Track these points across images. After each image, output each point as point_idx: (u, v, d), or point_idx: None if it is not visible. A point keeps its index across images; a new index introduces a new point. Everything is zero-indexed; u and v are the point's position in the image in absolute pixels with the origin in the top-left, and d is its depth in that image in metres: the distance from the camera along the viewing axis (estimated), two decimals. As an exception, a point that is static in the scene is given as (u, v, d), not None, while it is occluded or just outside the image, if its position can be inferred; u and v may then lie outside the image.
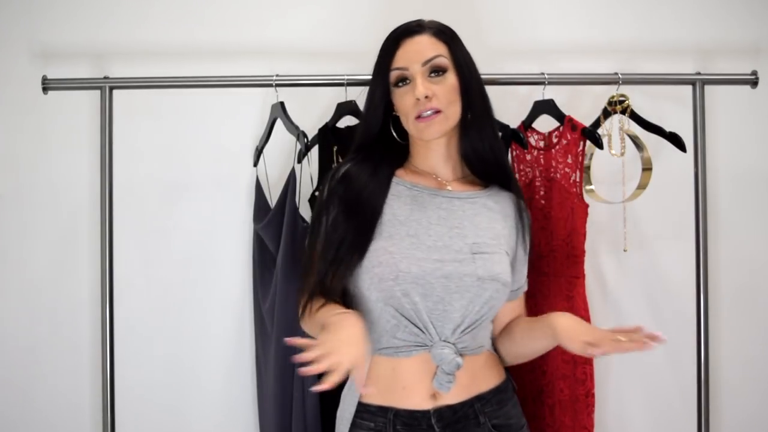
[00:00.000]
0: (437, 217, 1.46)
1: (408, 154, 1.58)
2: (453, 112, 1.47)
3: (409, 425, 1.39)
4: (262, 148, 2.09)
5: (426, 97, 1.43)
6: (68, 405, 2.23)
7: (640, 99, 2.01)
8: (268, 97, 2.00)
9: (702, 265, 1.91)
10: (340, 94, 1.95)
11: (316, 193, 1.92)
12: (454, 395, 1.40)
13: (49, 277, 2.23)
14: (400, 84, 1.49)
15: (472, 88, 1.49)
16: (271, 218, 1.90)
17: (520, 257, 1.58)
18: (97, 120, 1.97)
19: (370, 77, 1.99)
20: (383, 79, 1.51)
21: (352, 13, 2.25)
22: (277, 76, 1.93)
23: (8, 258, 2.22)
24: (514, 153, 2.07)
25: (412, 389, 1.40)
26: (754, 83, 1.98)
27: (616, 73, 1.97)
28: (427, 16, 2.24)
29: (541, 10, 2.28)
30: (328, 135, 1.92)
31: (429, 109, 1.43)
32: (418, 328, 1.40)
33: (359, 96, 1.84)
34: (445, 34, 1.51)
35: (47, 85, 1.94)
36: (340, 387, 1.85)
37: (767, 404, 2.32)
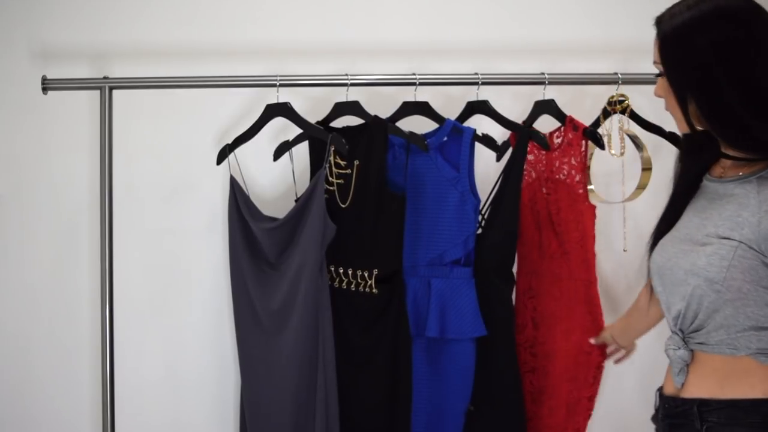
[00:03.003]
0: (699, 207, 1.40)
1: None
2: (674, 113, 1.37)
3: (657, 404, 1.47)
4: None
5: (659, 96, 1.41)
6: (68, 405, 2.23)
7: (639, 99, 2.01)
8: (269, 96, 1.99)
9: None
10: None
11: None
12: (684, 389, 1.38)
13: (49, 277, 2.23)
14: None
15: (690, 89, 1.32)
16: (291, 217, 1.90)
17: None
18: (97, 120, 1.97)
19: (371, 78, 2.01)
20: None
21: (350, 11, 2.26)
22: (280, 76, 1.94)
23: (8, 258, 2.22)
24: (515, 153, 2.07)
25: (668, 373, 1.45)
26: (754, 83, 1.98)
27: (616, 73, 1.97)
28: (424, 14, 2.26)
29: (542, 9, 2.28)
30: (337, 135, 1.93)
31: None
32: (665, 314, 1.45)
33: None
34: (663, 31, 1.33)
35: (47, 85, 1.94)
36: (346, 383, 1.87)
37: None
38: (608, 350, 1.92)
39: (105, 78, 1.99)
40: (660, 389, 1.47)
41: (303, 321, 1.85)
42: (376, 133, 1.91)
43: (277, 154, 2.07)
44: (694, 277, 1.31)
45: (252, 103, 2.18)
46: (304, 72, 2.05)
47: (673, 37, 1.31)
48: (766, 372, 1.29)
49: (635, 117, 1.99)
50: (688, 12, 1.29)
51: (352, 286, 1.90)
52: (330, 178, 1.96)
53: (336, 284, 1.94)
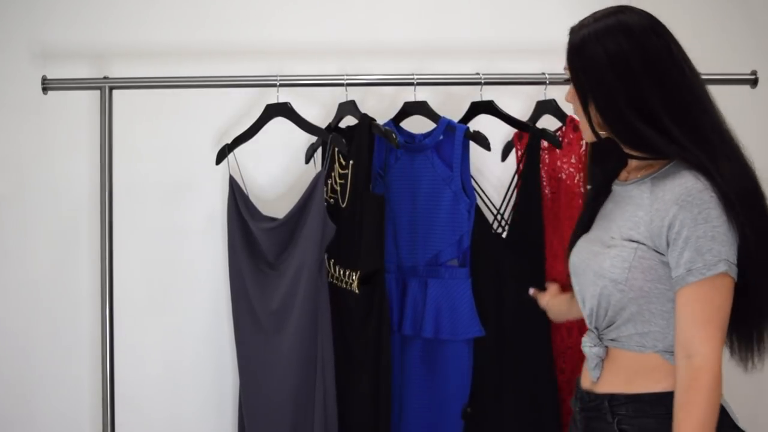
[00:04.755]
0: (607, 210, 1.50)
1: None
2: (580, 118, 1.46)
3: (576, 396, 1.54)
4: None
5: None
6: (68, 403, 2.24)
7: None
8: (267, 96, 1.99)
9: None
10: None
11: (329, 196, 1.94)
12: (598, 384, 1.46)
13: (49, 277, 2.23)
14: None
15: (590, 94, 1.41)
16: (290, 217, 1.91)
17: (672, 239, 1.34)
18: (97, 120, 1.97)
19: (371, 78, 2.01)
20: None
21: (350, 11, 2.26)
22: (280, 76, 1.93)
23: (8, 257, 2.22)
24: (519, 152, 2.07)
25: (585, 366, 1.51)
26: (754, 83, 1.98)
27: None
28: (425, 15, 2.26)
29: (542, 9, 2.28)
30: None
31: None
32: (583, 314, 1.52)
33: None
34: (572, 40, 1.43)
35: (47, 85, 1.94)
36: (348, 383, 1.87)
37: (766, 403, 2.32)
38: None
39: (105, 78, 1.99)
40: (578, 380, 1.54)
41: (302, 321, 1.85)
42: (360, 131, 1.90)
43: (308, 156, 2.08)
44: (601, 278, 1.40)
45: (252, 103, 2.19)
46: (304, 72, 2.05)
47: (579, 46, 1.41)
48: (670, 369, 1.37)
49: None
50: (594, 24, 1.40)
51: (346, 285, 1.91)
52: (337, 179, 1.96)
53: (337, 282, 1.95)
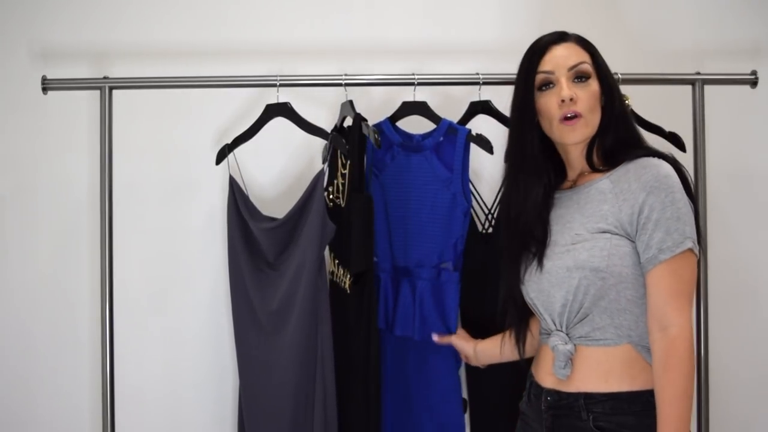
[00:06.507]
0: (557, 215, 1.56)
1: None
2: (593, 119, 1.51)
3: (536, 395, 1.57)
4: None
5: (571, 99, 1.49)
6: (68, 404, 2.24)
7: (640, 99, 2.01)
8: (267, 96, 2.00)
9: (701, 264, 1.91)
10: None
11: (329, 192, 1.95)
12: (568, 383, 1.49)
13: (49, 277, 2.23)
14: (544, 88, 1.54)
15: (614, 97, 1.54)
16: (290, 217, 1.91)
17: (642, 223, 1.43)
18: (97, 120, 1.97)
19: (371, 78, 2.01)
20: (528, 83, 1.55)
21: (350, 11, 2.26)
22: (280, 76, 1.94)
23: (9, 257, 2.23)
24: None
25: (543, 368, 1.56)
26: (753, 83, 1.98)
27: (616, 73, 1.95)
28: (426, 15, 2.26)
29: (542, 9, 2.28)
30: (339, 137, 1.93)
31: (572, 112, 1.49)
32: (543, 318, 1.56)
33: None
34: (589, 44, 1.56)
35: (47, 85, 1.94)
36: (348, 381, 1.87)
37: (767, 404, 2.32)
38: (463, 357, 1.90)
39: (105, 78, 1.99)
40: (531, 379, 1.59)
41: (302, 321, 1.85)
42: (353, 131, 1.90)
43: (324, 157, 2.08)
44: (579, 270, 1.45)
45: (252, 103, 2.19)
46: (304, 72, 2.05)
47: (598, 53, 1.56)
48: (644, 365, 1.45)
49: (635, 117, 1.98)
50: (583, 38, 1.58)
51: (343, 283, 1.91)
52: (340, 179, 1.96)
53: (338, 281, 1.95)
